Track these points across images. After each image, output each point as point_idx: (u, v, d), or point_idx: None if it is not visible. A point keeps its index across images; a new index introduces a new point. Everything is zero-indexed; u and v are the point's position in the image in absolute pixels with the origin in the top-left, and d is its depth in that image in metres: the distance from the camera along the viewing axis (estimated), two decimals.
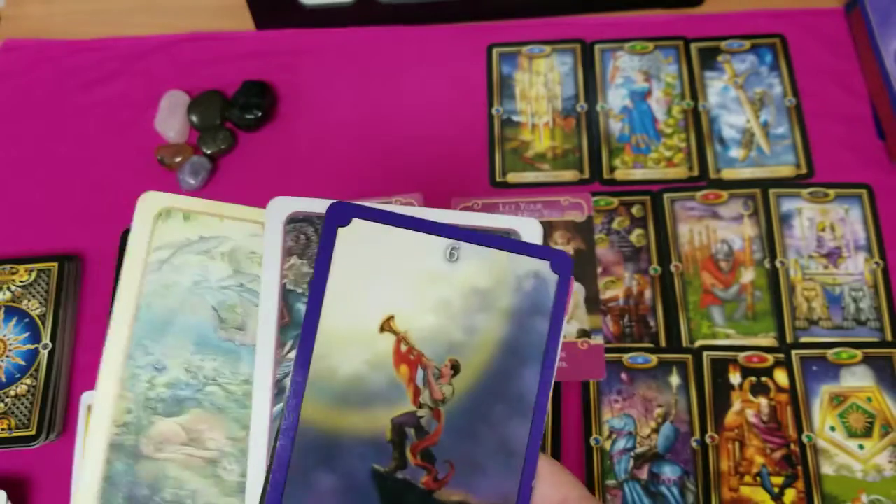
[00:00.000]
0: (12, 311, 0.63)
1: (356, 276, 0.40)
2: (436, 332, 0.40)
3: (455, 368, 0.40)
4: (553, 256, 0.41)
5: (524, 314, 0.41)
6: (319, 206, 0.41)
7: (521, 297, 0.41)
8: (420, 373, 0.40)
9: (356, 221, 0.41)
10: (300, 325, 0.40)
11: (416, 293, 0.41)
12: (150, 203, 0.44)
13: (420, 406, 0.40)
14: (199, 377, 0.42)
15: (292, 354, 0.40)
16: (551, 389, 0.40)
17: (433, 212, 0.41)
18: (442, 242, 0.41)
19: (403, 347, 0.40)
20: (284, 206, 0.41)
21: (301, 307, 0.41)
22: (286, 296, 0.41)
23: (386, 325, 0.40)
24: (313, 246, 0.41)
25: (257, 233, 0.43)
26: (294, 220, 0.42)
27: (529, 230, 0.42)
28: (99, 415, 0.41)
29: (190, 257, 0.43)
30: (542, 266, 0.41)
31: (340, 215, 0.40)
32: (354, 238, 0.40)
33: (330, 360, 0.39)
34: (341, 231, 0.40)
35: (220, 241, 0.43)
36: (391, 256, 0.41)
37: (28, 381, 0.60)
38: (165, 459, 0.41)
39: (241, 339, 0.42)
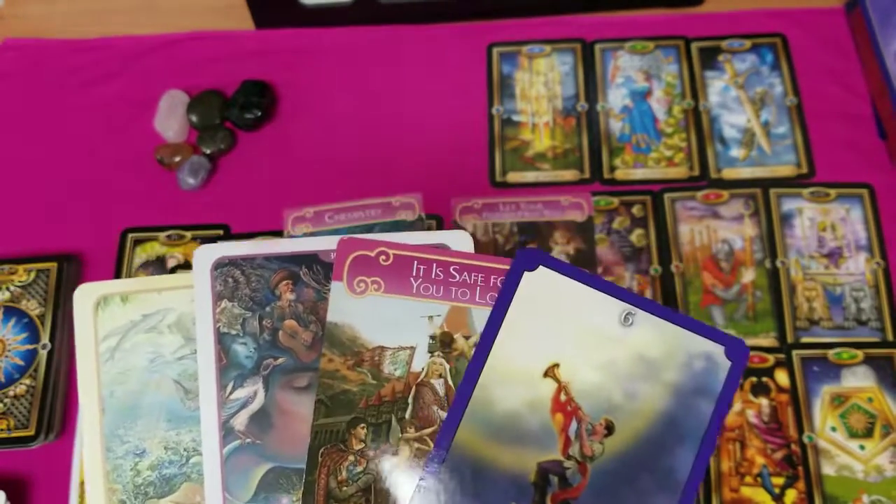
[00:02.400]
0: (11, 312, 0.63)
1: (532, 318, 0.42)
2: (597, 390, 0.41)
3: (609, 428, 0.41)
4: (730, 343, 0.42)
5: (689, 392, 0.41)
6: (243, 248, 0.42)
7: (689, 376, 0.41)
8: (574, 425, 0.41)
9: (542, 269, 0.42)
10: (239, 366, 0.41)
11: (585, 348, 0.42)
12: (85, 294, 0.44)
13: (568, 457, 0.40)
14: (180, 451, 0.43)
15: (235, 394, 0.41)
16: (705, 472, 0.42)
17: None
18: (620, 306, 0.42)
19: (563, 397, 0.41)
20: (209, 253, 0.42)
21: (238, 348, 0.41)
22: (221, 339, 0.42)
23: (550, 372, 0.41)
24: (242, 287, 0.42)
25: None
26: (220, 265, 0.42)
27: (458, 241, 0.43)
28: None
29: (139, 337, 0.44)
30: (717, 350, 0.42)
31: (529, 261, 0.42)
32: (537, 284, 0.42)
33: (492, 389, 0.41)
34: (527, 275, 0.42)
35: (163, 315, 0.44)
36: (568, 308, 0.42)
37: (27, 382, 0.60)
38: None
39: (200, 406, 0.42)
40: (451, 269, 0.42)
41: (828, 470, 0.55)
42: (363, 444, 0.41)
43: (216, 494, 0.41)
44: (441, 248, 0.42)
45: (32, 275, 0.64)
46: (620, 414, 0.41)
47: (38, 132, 0.72)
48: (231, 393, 0.42)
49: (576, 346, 0.42)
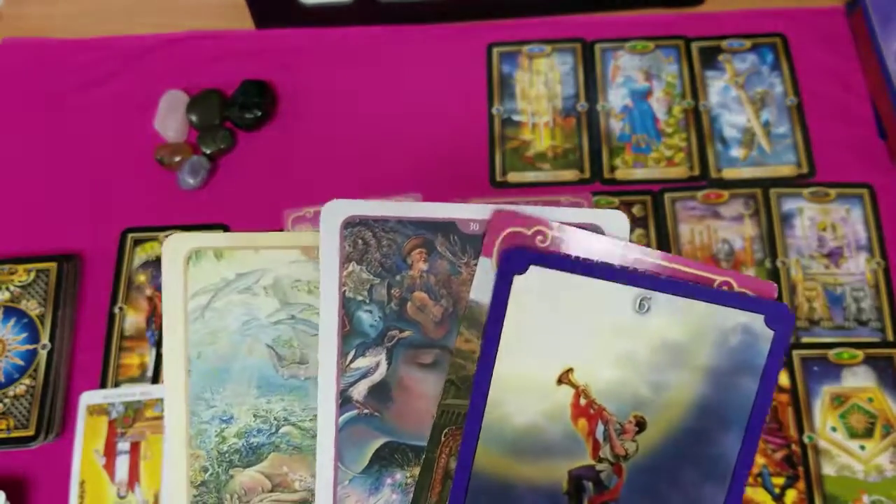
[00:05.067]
0: (11, 312, 0.63)
1: (533, 324, 0.38)
2: (620, 387, 0.38)
3: (640, 425, 0.38)
4: (768, 310, 0.37)
5: (727, 373, 0.37)
6: (378, 208, 0.39)
7: (725, 354, 0.37)
8: (601, 427, 0.38)
9: (534, 269, 0.38)
10: (362, 334, 0.39)
11: (599, 345, 0.38)
12: (175, 246, 0.40)
13: (600, 460, 0.38)
14: (270, 420, 0.40)
15: (356, 363, 0.39)
16: (754, 458, 0.38)
17: (519, 209, 0.38)
18: (631, 292, 0.37)
19: (583, 401, 0.38)
20: (341, 209, 0.38)
21: (363, 315, 0.39)
22: (346, 304, 0.39)
23: (564, 378, 0.38)
24: (372, 251, 0.39)
25: (297, 259, 0.40)
26: (351, 224, 0.39)
27: (613, 223, 0.38)
28: (173, 479, 0.40)
29: (232, 297, 0.40)
30: (755, 320, 0.37)
31: (517, 261, 0.38)
32: (531, 286, 0.38)
33: (504, 408, 0.38)
34: (518, 278, 0.38)
35: (259, 275, 0.41)
36: (571, 306, 0.38)
37: (27, 382, 0.60)
38: None
39: (305, 374, 0.40)
40: (630, 259, 0.38)
41: (828, 470, 0.55)
42: None
43: (328, 463, 0.39)
44: (592, 226, 0.38)
45: (32, 275, 0.64)
46: (651, 408, 0.38)
47: (38, 132, 0.72)
48: (352, 361, 0.39)
49: (588, 346, 0.38)
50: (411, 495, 0.39)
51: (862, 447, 0.56)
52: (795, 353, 0.58)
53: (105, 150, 0.71)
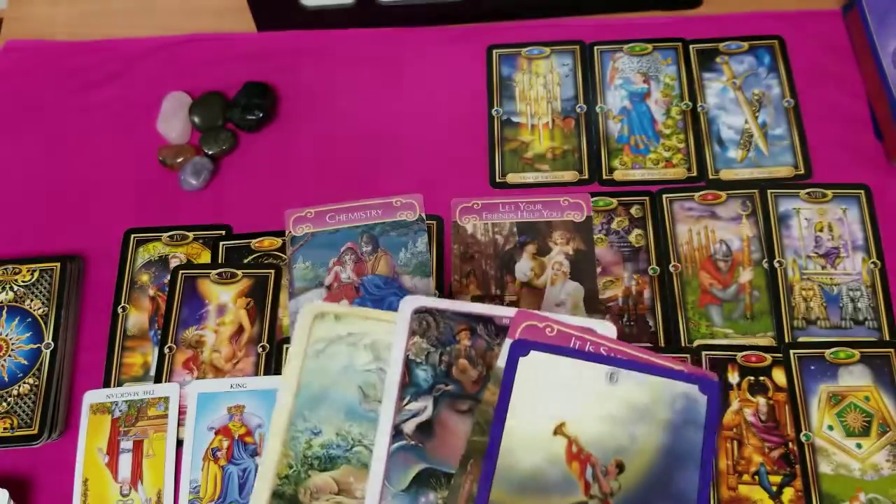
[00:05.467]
0: (15, 311, 0.63)
1: (534, 392, 0.51)
2: (602, 438, 0.50)
3: (620, 467, 0.49)
4: (700, 380, 0.51)
5: (679, 426, 0.50)
6: (440, 303, 0.55)
7: (676, 412, 0.50)
8: (589, 469, 0.49)
9: (533, 353, 0.52)
10: (417, 385, 0.53)
11: (584, 406, 0.51)
12: (309, 309, 0.56)
13: (591, 497, 0.49)
14: (349, 439, 0.53)
15: (409, 406, 0.53)
16: (710, 489, 0.51)
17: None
18: (603, 368, 0.51)
19: (574, 448, 0.50)
20: (414, 301, 0.55)
21: (419, 372, 0.53)
22: (409, 363, 0.53)
23: (559, 430, 0.50)
24: (432, 330, 0.54)
25: (392, 330, 0.54)
26: (419, 311, 0.54)
27: (604, 328, 0.53)
28: (265, 469, 0.52)
29: (340, 348, 0.55)
30: (691, 389, 0.51)
31: (522, 349, 0.52)
32: (532, 365, 0.52)
33: (513, 456, 0.50)
34: (522, 360, 0.52)
35: (363, 336, 0.55)
36: (562, 378, 0.51)
37: (30, 381, 0.61)
38: None
39: (381, 410, 0.53)
40: (601, 349, 0.52)
41: (825, 468, 0.56)
42: None
43: (377, 480, 0.51)
44: (589, 330, 0.53)
45: (36, 275, 0.64)
46: (628, 454, 0.50)
47: (41, 134, 0.73)
48: (407, 404, 0.53)
49: (576, 407, 0.51)
50: None
51: (858, 445, 0.56)
52: (793, 353, 0.59)
53: (108, 151, 0.72)
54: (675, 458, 0.49)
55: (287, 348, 0.59)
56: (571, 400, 0.51)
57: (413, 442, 0.52)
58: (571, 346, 0.52)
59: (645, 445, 0.50)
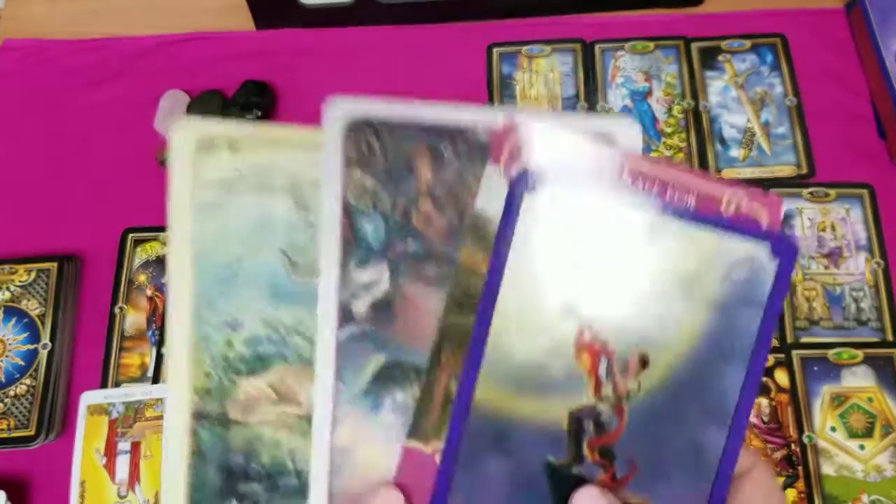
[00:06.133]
0: (11, 311, 0.63)
1: (540, 251, 0.35)
2: (625, 321, 0.35)
3: (644, 362, 0.36)
4: (774, 239, 0.35)
5: (732, 306, 0.35)
6: (382, 109, 0.35)
7: (731, 287, 0.35)
8: (604, 363, 0.36)
9: (545, 189, 0.35)
10: (365, 245, 0.36)
11: (608, 274, 0.36)
12: (186, 134, 0.36)
13: (601, 399, 0.36)
14: (280, 330, 0.37)
15: (358, 276, 0.36)
16: (756, 396, 0.36)
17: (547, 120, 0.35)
18: (643, 217, 0.35)
19: (587, 335, 0.36)
20: (344, 108, 0.35)
21: (366, 226, 0.36)
22: (349, 212, 0.36)
23: (570, 309, 0.36)
24: (377, 155, 0.36)
25: (320, 161, 0.36)
26: (356, 126, 0.36)
27: (626, 133, 0.36)
28: (175, 384, 0.37)
29: (245, 196, 0.37)
30: (760, 250, 0.35)
31: (526, 181, 0.35)
32: (542, 208, 0.35)
33: (506, 341, 0.36)
34: (527, 199, 0.35)
35: (275, 171, 0.37)
36: (582, 232, 0.36)
37: (27, 382, 0.60)
38: (257, 423, 0.37)
39: (319, 284, 0.37)
40: (641, 182, 0.35)
41: (827, 470, 0.55)
42: None
43: (328, 381, 0.36)
44: (605, 136, 0.36)
45: (33, 275, 0.64)
46: (656, 343, 0.36)
47: (39, 132, 0.73)
48: (353, 273, 0.36)
49: (596, 276, 0.36)
50: (411, 418, 0.37)
51: (861, 447, 0.56)
52: (795, 353, 0.59)
53: (106, 150, 0.71)
54: (718, 352, 0.35)
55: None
56: (590, 265, 0.36)
57: (368, 326, 0.37)
58: (599, 172, 0.36)
59: (681, 332, 0.36)
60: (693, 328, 0.35)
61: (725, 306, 0.35)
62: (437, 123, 0.36)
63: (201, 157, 0.36)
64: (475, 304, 0.36)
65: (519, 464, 0.36)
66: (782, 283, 0.35)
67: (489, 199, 0.36)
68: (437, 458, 0.36)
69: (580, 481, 0.35)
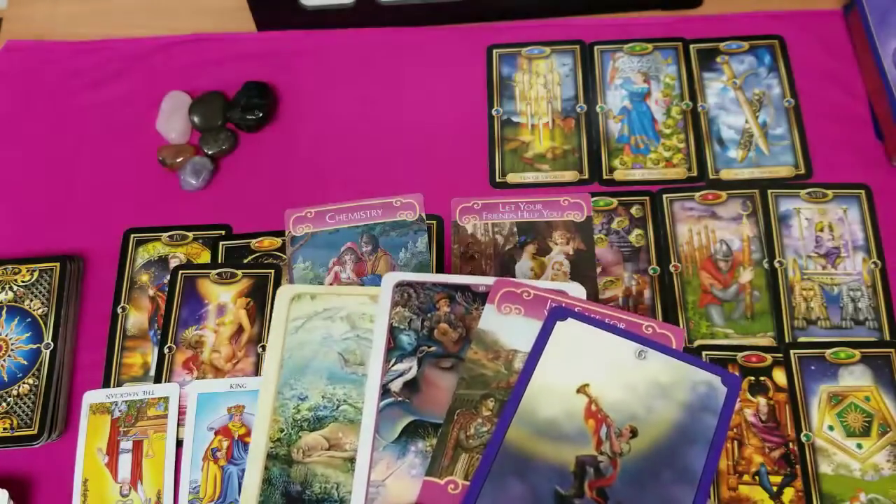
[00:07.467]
0: (14, 311, 0.63)
1: (565, 352, 0.55)
2: (621, 404, 0.53)
3: (633, 432, 0.52)
4: (724, 375, 0.54)
5: (696, 409, 0.53)
6: (418, 277, 0.60)
7: (695, 396, 0.53)
8: (604, 429, 0.53)
9: (570, 320, 0.56)
10: (401, 349, 0.57)
11: (610, 374, 0.54)
12: (285, 292, 0.61)
13: (601, 453, 0.52)
14: (334, 400, 0.57)
15: (395, 367, 0.57)
16: (716, 469, 0.52)
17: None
18: (634, 345, 0.55)
19: (594, 407, 0.53)
20: (395, 276, 0.60)
21: (403, 337, 0.58)
22: (392, 330, 0.58)
23: (582, 389, 0.54)
24: (413, 300, 0.59)
25: (366, 302, 0.60)
26: (401, 285, 0.59)
27: (574, 290, 0.58)
28: (258, 436, 0.56)
29: (317, 322, 0.60)
30: (714, 380, 0.54)
31: (561, 313, 0.56)
32: (568, 329, 0.56)
33: (536, 402, 0.54)
34: (559, 323, 0.56)
35: (338, 310, 0.60)
36: (594, 346, 0.55)
37: (30, 381, 0.61)
38: (312, 462, 0.55)
39: (362, 371, 0.58)
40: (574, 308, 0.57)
41: (825, 468, 0.56)
42: (490, 413, 0.54)
43: (369, 434, 0.55)
44: (561, 292, 0.58)
45: (35, 275, 0.64)
46: (642, 423, 0.52)
47: (41, 133, 0.73)
48: (393, 365, 0.57)
49: (602, 372, 0.54)
50: (429, 459, 0.53)
51: (859, 446, 0.56)
52: (793, 353, 0.59)
53: (108, 151, 0.72)
54: (685, 437, 0.52)
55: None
56: (598, 365, 0.54)
57: (400, 398, 0.56)
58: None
59: (660, 419, 0.52)
60: (669, 418, 0.53)
61: (692, 409, 0.53)
62: (452, 283, 0.60)
63: (293, 304, 0.60)
64: (478, 383, 0.55)
65: (533, 489, 0.51)
66: (731, 402, 0.53)
67: (486, 323, 0.58)
68: (449, 489, 0.52)
69: None
